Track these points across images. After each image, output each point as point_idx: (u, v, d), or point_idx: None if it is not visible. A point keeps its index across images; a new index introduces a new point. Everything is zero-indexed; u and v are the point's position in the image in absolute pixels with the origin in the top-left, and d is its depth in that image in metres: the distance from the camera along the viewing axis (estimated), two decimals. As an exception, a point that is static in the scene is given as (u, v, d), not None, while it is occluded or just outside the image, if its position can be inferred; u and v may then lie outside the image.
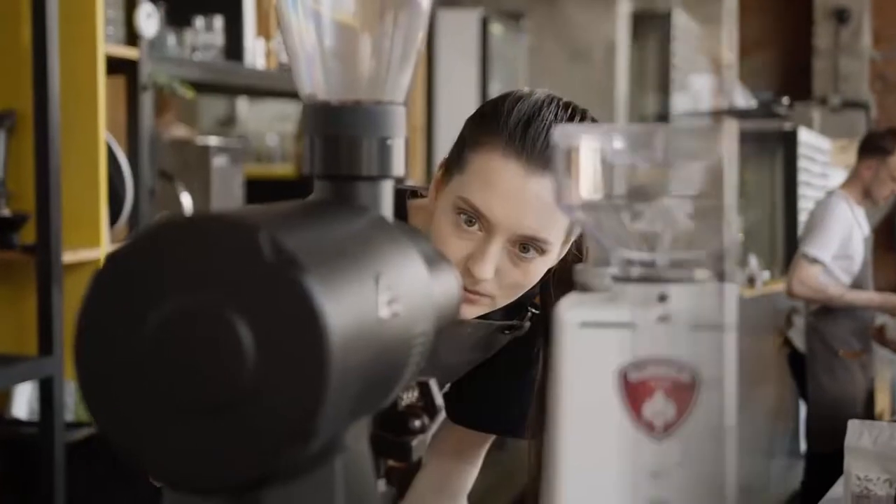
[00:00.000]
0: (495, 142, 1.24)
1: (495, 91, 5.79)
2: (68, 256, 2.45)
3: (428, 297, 0.79)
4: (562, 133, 0.73)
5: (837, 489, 2.11)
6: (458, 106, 4.90)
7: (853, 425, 1.99)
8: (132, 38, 2.70)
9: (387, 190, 0.84)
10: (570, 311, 0.71)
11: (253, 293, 0.62)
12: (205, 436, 0.63)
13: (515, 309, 1.39)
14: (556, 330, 0.71)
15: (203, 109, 5.16)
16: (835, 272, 4.32)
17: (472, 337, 1.40)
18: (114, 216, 2.63)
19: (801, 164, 7.11)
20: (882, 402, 5.05)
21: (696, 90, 5.42)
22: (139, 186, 2.72)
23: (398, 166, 0.84)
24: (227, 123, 5.39)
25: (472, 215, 1.23)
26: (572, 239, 1.33)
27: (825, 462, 4.34)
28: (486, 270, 1.24)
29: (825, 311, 4.43)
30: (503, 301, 1.29)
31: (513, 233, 1.24)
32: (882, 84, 9.99)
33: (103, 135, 2.53)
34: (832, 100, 8.62)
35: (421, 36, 0.86)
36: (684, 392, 0.69)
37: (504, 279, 1.26)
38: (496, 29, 5.26)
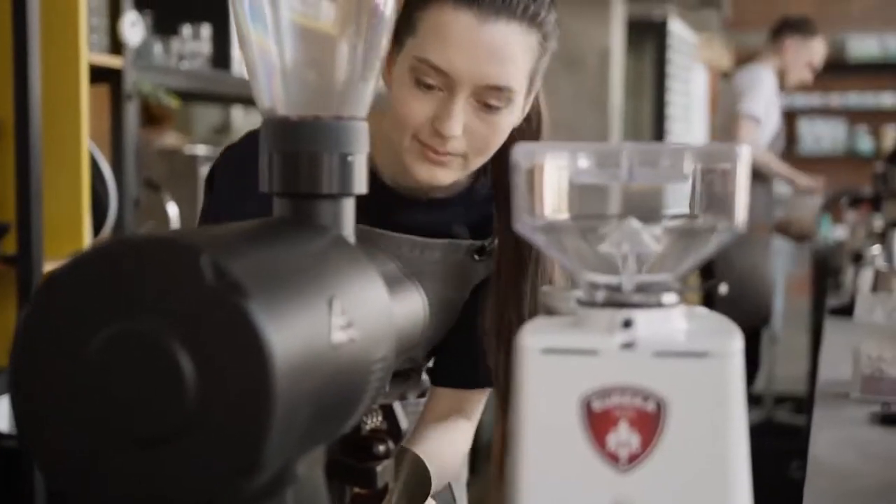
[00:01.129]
0: None
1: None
2: (50, 267, 2.41)
3: (388, 320, 0.76)
4: (523, 152, 0.70)
5: (840, 374, 1.98)
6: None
7: (863, 298, 1.87)
8: (117, 46, 2.67)
9: (348, 207, 0.81)
10: (532, 337, 0.68)
11: (194, 319, 0.59)
12: (144, 468, 0.60)
13: (481, 231, 1.38)
14: (518, 355, 0.68)
15: (197, 117, 5.14)
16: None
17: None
18: (97, 226, 2.60)
19: (670, 55, 7.24)
20: None
21: None
22: (123, 196, 2.69)
23: (360, 183, 0.81)
24: (221, 131, 5.36)
25: (430, 75, 1.21)
26: (535, 90, 1.30)
27: None
28: (454, 127, 1.21)
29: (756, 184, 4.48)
30: (475, 161, 1.26)
31: (475, 84, 1.21)
32: (736, -19, 10.11)
33: (86, 144, 2.50)
34: None
35: (383, 46, 0.84)
36: (649, 422, 0.66)
37: (473, 136, 1.24)
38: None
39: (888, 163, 4.22)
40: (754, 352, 4.65)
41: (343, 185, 0.80)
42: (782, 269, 6.14)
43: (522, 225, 0.70)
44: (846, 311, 2.68)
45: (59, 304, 0.61)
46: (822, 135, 10.37)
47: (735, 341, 0.67)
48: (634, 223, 0.70)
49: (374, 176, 1.35)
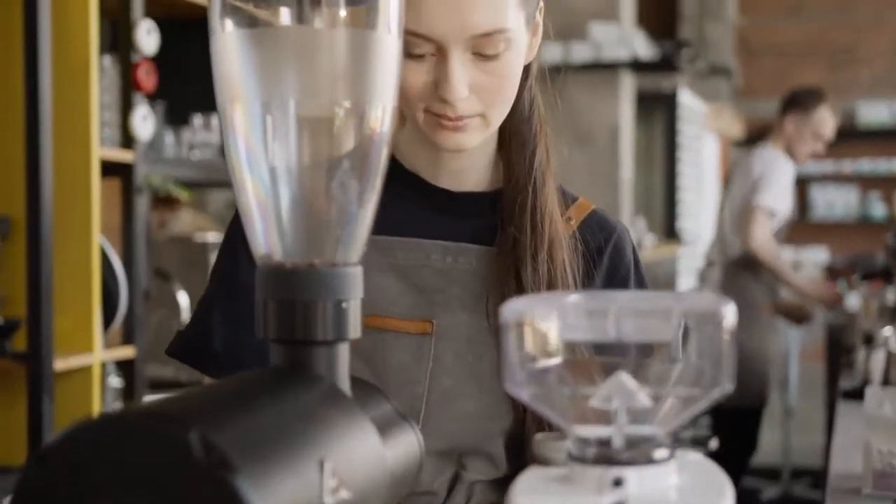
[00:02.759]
0: None
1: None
2: (60, 364, 2.43)
3: (381, 470, 0.76)
4: (510, 308, 0.71)
5: (852, 465, 1.94)
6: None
7: (872, 392, 1.85)
8: (128, 140, 2.70)
9: (343, 352, 0.82)
10: (522, 497, 0.68)
11: (183, 495, 0.60)
12: None
13: None
14: (509, 515, 0.68)
15: (212, 195, 5.19)
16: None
17: (480, 276, 1.23)
18: (108, 319, 2.61)
19: (680, 126, 7.26)
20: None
21: (596, 39, 5.43)
22: (133, 288, 2.70)
23: (354, 328, 0.82)
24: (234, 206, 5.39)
25: (416, 44, 1.12)
26: (536, 20, 1.22)
27: (732, 416, 4.36)
28: (458, 89, 1.12)
29: (746, 263, 4.40)
30: (495, 115, 1.18)
31: (463, 39, 1.12)
32: (746, 51, 10.14)
33: (97, 239, 2.52)
34: (698, 64, 8.68)
35: (376, 192, 0.85)
36: (641, 584, 0.65)
37: (482, 91, 1.15)
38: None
39: (898, 237, 4.23)
40: (752, 431, 4.62)
41: (338, 331, 0.81)
42: (796, 339, 6.11)
43: (510, 380, 0.71)
44: (858, 394, 2.67)
45: (51, 479, 0.62)
46: (834, 201, 10.38)
47: (726, 499, 0.67)
48: (625, 377, 0.71)
49: (410, 175, 1.28)
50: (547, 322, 0.70)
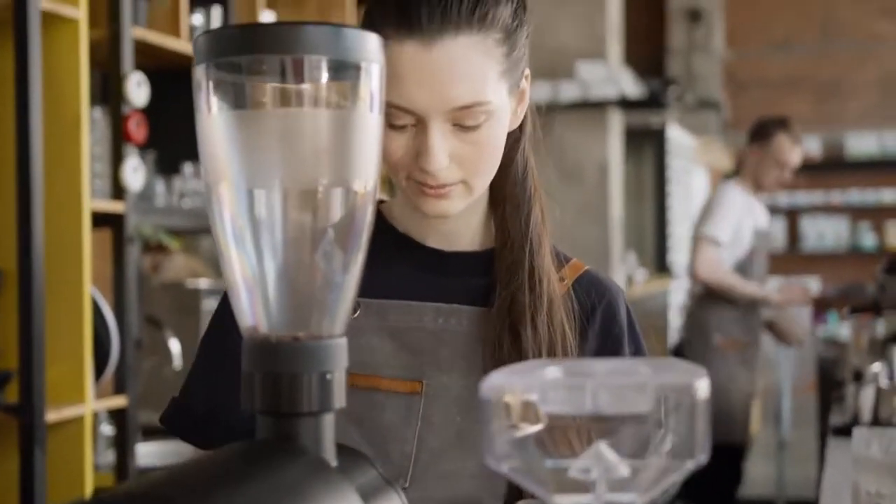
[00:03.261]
0: (385, 30, 1.14)
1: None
2: (52, 415, 2.43)
3: (367, 541, 0.78)
4: (490, 383, 0.73)
5: (845, 501, 1.93)
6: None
7: (860, 433, 1.86)
8: (119, 191, 2.72)
9: (328, 423, 0.83)
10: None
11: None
12: None
13: None
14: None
15: (205, 239, 5.20)
16: (723, 257, 4.38)
17: (473, 338, 1.23)
18: (99, 369, 2.63)
19: (669, 160, 7.31)
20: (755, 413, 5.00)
21: (583, 78, 5.48)
22: (125, 338, 2.71)
23: (339, 398, 0.84)
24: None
25: (397, 116, 1.14)
26: (521, 86, 1.23)
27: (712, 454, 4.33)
28: (437, 160, 1.13)
29: (706, 297, 4.41)
30: (478, 183, 1.18)
31: (445, 111, 1.13)
32: (734, 84, 10.23)
33: (89, 290, 2.54)
34: (686, 98, 8.72)
35: (359, 264, 0.87)
36: None
37: (463, 160, 1.16)
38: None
39: (886, 273, 4.24)
40: (734, 467, 4.60)
41: (323, 403, 0.82)
42: (788, 372, 6.13)
43: (490, 453, 0.72)
44: (848, 430, 2.68)
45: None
46: (825, 232, 10.44)
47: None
48: (603, 448, 0.73)
49: (403, 237, 1.29)
50: (526, 396, 0.72)
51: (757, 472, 6.74)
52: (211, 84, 0.82)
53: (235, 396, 1.11)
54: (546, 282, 1.23)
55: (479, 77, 1.13)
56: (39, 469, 2.37)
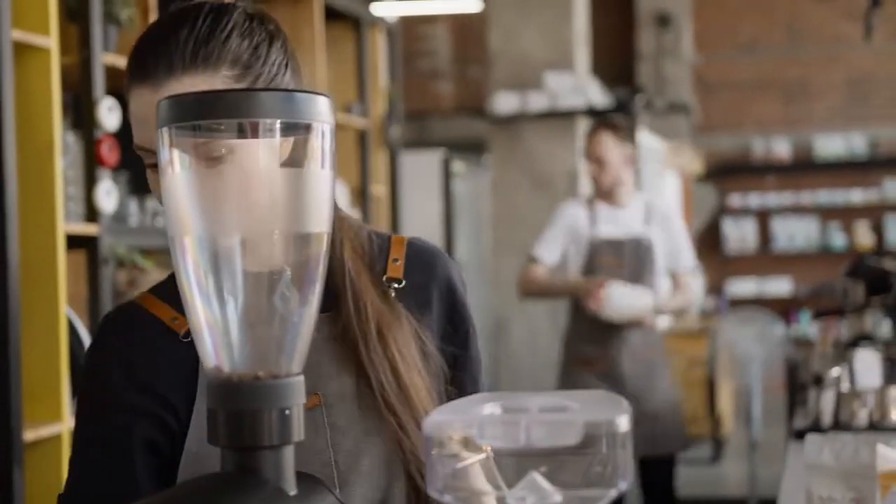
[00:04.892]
0: (128, 79, 1.23)
1: (459, 226, 5.95)
2: (29, 434, 2.49)
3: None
4: (431, 421, 0.80)
5: None
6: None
7: (812, 440, 1.92)
8: (92, 213, 2.78)
9: (288, 454, 0.90)
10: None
11: None
12: None
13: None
14: None
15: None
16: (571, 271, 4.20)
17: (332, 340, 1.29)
18: (75, 389, 2.68)
19: (639, 165, 7.41)
20: None
21: (551, 88, 5.49)
22: (101, 356, 2.77)
23: (298, 431, 0.91)
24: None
25: (149, 157, 1.21)
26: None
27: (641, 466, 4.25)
28: None
29: (569, 317, 4.23)
30: None
31: None
32: (703, 87, 10.37)
33: (64, 311, 2.59)
34: (656, 102, 8.80)
35: (314, 307, 0.93)
36: None
37: None
38: (458, 168, 5.39)
39: (848, 277, 4.33)
40: (668, 481, 4.46)
41: (283, 436, 0.89)
42: (759, 373, 6.22)
43: (432, 486, 0.79)
44: (808, 433, 2.75)
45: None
46: (795, 232, 10.56)
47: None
48: (537, 477, 0.80)
49: None
50: (465, 432, 0.79)
51: (729, 472, 6.84)
52: (173, 145, 0.88)
53: (132, 489, 1.16)
54: (368, 306, 1.28)
55: None
56: (18, 486, 2.43)
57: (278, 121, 0.88)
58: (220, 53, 1.21)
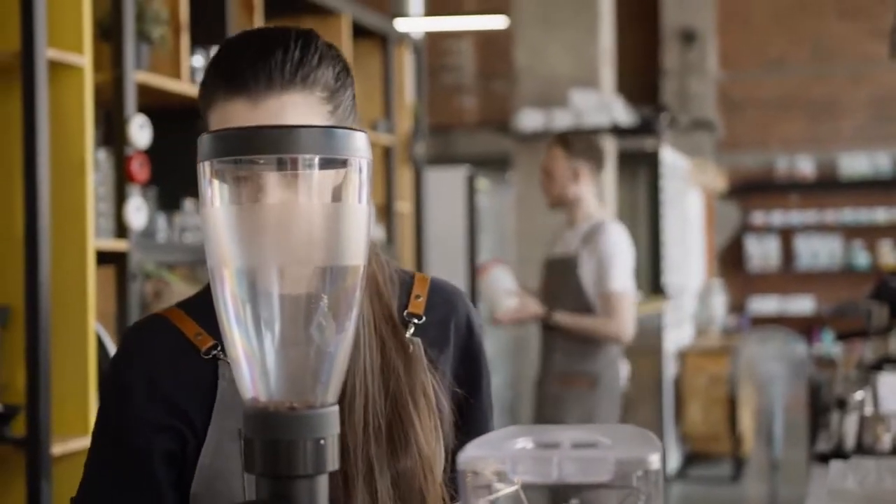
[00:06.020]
0: (217, 91, 1.23)
1: (483, 243, 5.96)
2: (58, 448, 2.51)
3: None
4: (466, 456, 0.81)
5: None
6: (447, 261, 5.04)
7: (836, 466, 1.92)
8: (122, 229, 2.81)
9: (322, 483, 0.92)
10: None
11: None
12: None
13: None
14: None
15: (204, 266, 5.28)
16: None
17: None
18: (103, 402, 2.71)
19: (663, 183, 7.39)
20: None
21: (576, 106, 5.48)
22: (128, 371, 2.79)
23: (332, 461, 0.92)
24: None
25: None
26: None
27: None
28: None
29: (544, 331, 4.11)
30: None
31: None
32: (728, 105, 10.33)
33: (93, 326, 2.62)
34: (681, 119, 8.77)
35: (350, 338, 0.95)
36: None
37: None
38: (482, 184, 5.40)
39: (872, 298, 4.31)
40: None
41: (317, 466, 0.91)
42: (781, 392, 6.20)
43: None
44: (831, 457, 2.75)
45: None
46: (818, 251, 10.52)
47: None
48: (568, 511, 0.81)
49: None
50: (498, 467, 0.81)
51: (749, 491, 6.81)
52: (214, 179, 0.90)
53: (139, 492, 1.17)
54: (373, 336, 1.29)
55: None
56: (45, 500, 2.45)
57: (317, 157, 0.90)
58: (315, 76, 1.24)
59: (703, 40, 10.01)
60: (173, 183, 3.08)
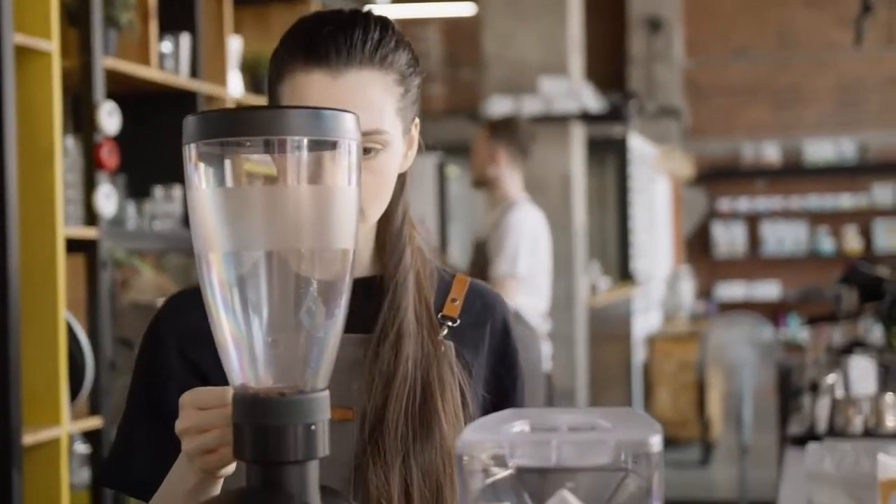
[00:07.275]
0: (294, 63, 1.23)
1: (454, 230, 5.96)
2: (29, 438, 2.48)
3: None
4: (463, 440, 0.80)
5: None
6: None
7: (813, 448, 1.92)
8: (92, 217, 2.77)
9: (313, 469, 0.90)
10: None
11: None
12: None
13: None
14: None
15: (172, 255, 5.22)
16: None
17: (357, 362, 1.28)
18: (74, 392, 2.68)
19: (630, 170, 7.44)
20: None
21: (546, 93, 5.53)
22: (99, 360, 2.76)
23: (323, 446, 0.91)
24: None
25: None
26: (412, 134, 1.31)
27: None
28: None
29: None
30: (373, 211, 1.26)
31: None
32: (694, 92, 10.40)
33: (63, 314, 2.59)
34: (647, 106, 8.82)
35: (339, 323, 0.94)
36: None
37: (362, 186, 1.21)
38: (452, 171, 5.38)
39: (842, 283, 4.33)
40: None
41: (308, 451, 0.90)
42: (750, 377, 6.23)
43: (465, 501, 0.80)
44: (805, 440, 2.76)
45: None
46: (784, 237, 10.58)
47: None
48: (567, 494, 0.80)
49: None
50: (496, 451, 0.80)
51: (718, 475, 6.85)
52: (200, 162, 0.88)
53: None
54: (402, 320, 1.28)
55: (379, 108, 1.24)
56: (17, 490, 2.42)
57: (305, 138, 0.88)
58: (392, 59, 1.26)
59: (670, 28, 10.03)
60: (143, 170, 3.05)
